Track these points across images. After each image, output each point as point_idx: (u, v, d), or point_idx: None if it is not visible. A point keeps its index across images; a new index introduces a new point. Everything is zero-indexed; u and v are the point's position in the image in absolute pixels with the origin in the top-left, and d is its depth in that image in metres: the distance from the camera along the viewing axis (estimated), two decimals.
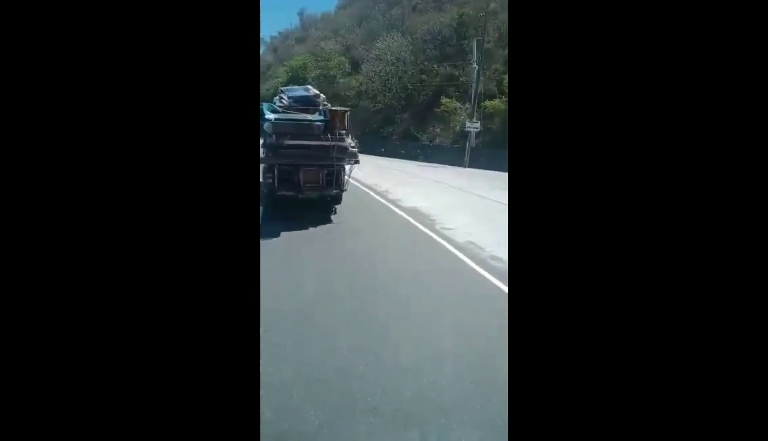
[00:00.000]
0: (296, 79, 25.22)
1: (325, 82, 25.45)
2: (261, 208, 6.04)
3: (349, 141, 6.02)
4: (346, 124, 6.02)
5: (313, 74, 25.84)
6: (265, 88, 34.53)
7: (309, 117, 5.87)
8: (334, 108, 6.18)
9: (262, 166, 5.75)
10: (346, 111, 6.17)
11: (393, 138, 20.20)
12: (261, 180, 6.07)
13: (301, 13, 43.08)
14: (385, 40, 22.00)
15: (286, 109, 5.92)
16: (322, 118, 5.86)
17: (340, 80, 24.52)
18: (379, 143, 20.47)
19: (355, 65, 24.66)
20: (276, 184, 5.57)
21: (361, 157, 6.47)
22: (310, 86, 7.09)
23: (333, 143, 5.70)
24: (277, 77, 31.54)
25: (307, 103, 6.13)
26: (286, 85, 10.11)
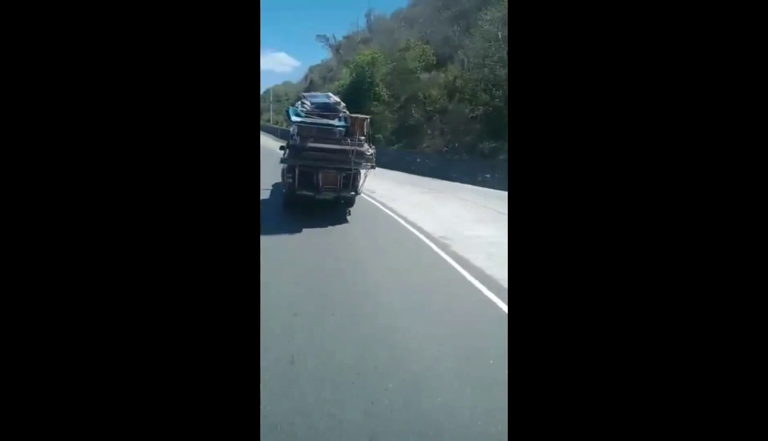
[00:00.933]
0: (362, 78, 20.95)
1: (399, 79, 20.25)
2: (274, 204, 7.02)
3: (367, 147, 6.46)
4: (365, 130, 6.54)
5: (384, 70, 21.08)
6: (325, 90, 28.28)
7: (332, 122, 6.43)
8: (354, 115, 6.72)
9: (283, 166, 6.63)
10: (366, 118, 6.73)
11: (502, 158, 12.44)
12: (281, 180, 7.32)
13: (368, 15, 37.55)
14: (498, 10, 14.51)
15: (308, 114, 6.51)
16: (343, 123, 6.42)
17: (422, 76, 18.99)
18: (478, 165, 12.85)
19: (440, 61, 19.15)
20: (296, 184, 6.18)
21: (448, 187, 6.04)
22: (330, 94, 7.61)
23: (352, 148, 6.17)
24: (338, 80, 27.31)
25: (327, 110, 6.66)
26: (346, 87, 12.29)
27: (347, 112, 6.83)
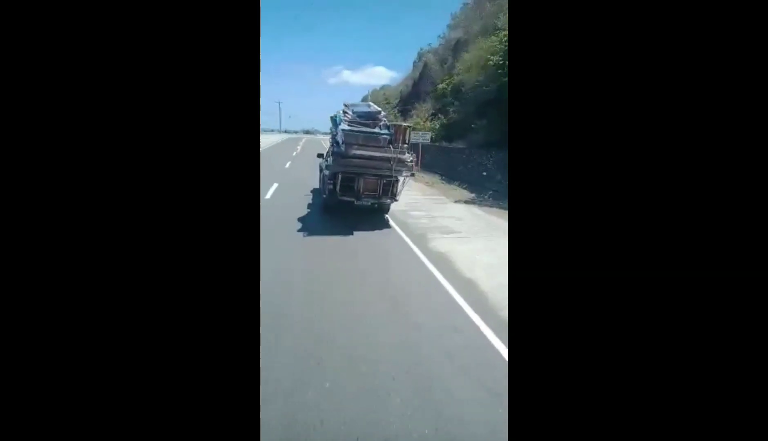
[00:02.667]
0: None
1: None
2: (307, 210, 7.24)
3: (408, 156, 6.68)
4: (407, 139, 6.74)
5: None
6: (444, 72, 23.36)
7: (377, 130, 6.83)
8: (396, 123, 7.09)
9: (324, 172, 7.06)
10: (409, 127, 6.96)
11: None
12: (320, 186, 7.78)
13: None
14: None
15: (350, 122, 6.87)
16: (387, 131, 6.78)
17: None
18: None
19: None
20: (338, 190, 6.53)
21: None
22: (371, 103, 8.07)
23: (394, 155, 6.40)
24: (494, 33, 14.72)
25: (369, 119, 7.03)
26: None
27: (387, 121, 7.16)
